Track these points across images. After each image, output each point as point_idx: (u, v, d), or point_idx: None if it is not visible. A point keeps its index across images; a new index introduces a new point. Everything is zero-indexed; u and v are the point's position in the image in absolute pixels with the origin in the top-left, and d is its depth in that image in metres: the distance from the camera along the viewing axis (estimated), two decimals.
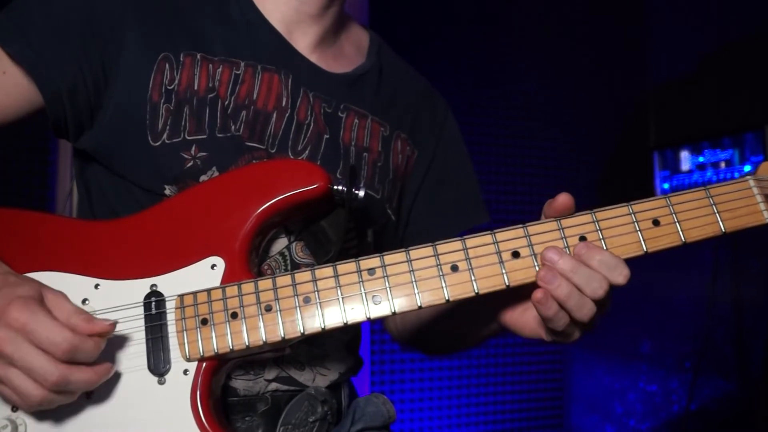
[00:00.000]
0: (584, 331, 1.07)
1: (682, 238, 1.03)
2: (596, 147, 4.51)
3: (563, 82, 4.43)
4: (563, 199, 1.04)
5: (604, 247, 1.02)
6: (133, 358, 1.06)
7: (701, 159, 3.97)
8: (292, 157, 1.26)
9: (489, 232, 1.05)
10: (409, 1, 4.04)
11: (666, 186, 4.19)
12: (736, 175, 3.73)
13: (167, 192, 1.19)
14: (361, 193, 1.16)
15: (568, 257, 1.00)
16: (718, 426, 3.76)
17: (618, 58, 4.54)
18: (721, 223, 1.03)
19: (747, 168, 3.69)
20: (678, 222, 1.03)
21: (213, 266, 1.10)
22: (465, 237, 1.05)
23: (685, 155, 4.09)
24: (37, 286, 1.00)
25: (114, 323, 1.00)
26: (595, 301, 1.00)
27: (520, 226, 1.04)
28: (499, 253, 1.03)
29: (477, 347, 1.42)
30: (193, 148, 1.19)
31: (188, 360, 1.05)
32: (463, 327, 1.34)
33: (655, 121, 4.41)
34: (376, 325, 3.51)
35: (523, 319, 1.13)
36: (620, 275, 0.99)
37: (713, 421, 3.77)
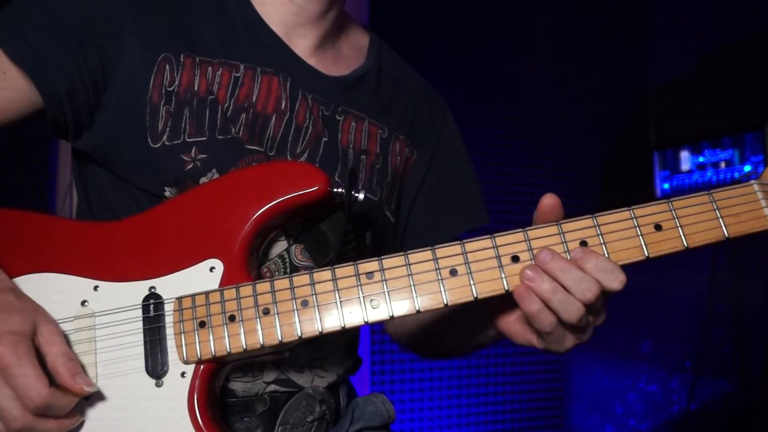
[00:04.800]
0: (577, 340, 1.05)
1: (685, 243, 1.01)
2: (596, 147, 4.52)
3: (563, 82, 4.43)
4: (548, 200, 1.03)
5: (605, 252, 1.01)
6: (130, 360, 1.06)
7: (701, 159, 3.97)
8: (290, 159, 1.26)
9: (489, 236, 1.03)
10: (409, 1, 4.04)
11: (666, 186, 4.19)
12: (736, 175, 3.74)
13: (167, 194, 1.19)
14: (361, 196, 1.15)
15: (560, 258, 0.99)
16: (718, 426, 3.76)
17: (618, 58, 4.54)
18: (724, 228, 1.01)
19: (747, 168, 3.69)
20: (680, 227, 1.01)
21: (212, 269, 1.09)
22: (464, 241, 1.04)
23: (685, 155, 4.09)
24: (33, 316, 1.00)
25: (93, 388, 1.00)
26: (586, 306, 0.98)
27: (520, 230, 1.03)
28: (498, 257, 1.02)
29: (475, 353, 1.40)
30: (193, 150, 1.19)
31: (186, 363, 1.05)
32: (460, 332, 1.33)
33: (655, 121, 4.41)
34: (377, 325, 3.50)
35: (517, 325, 1.11)
36: (615, 280, 0.97)
37: (713, 421, 3.77)
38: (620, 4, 4.55)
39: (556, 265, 0.98)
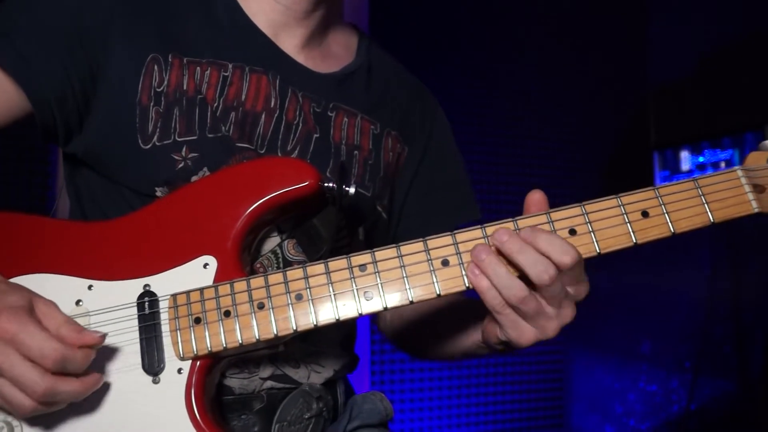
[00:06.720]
0: (537, 333, 1.03)
1: (671, 228, 1.03)
2: (596, 147, 4.51)
3: (563, 82, 4.43)
4: (536, 196, 1.06)
5: (594, 239, 1.03)
6: (127, 358, 1.07)
7: (701, 159, 3.97)
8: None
9: (479, 226, 1.05)
10: (409, 1, 4.05)
11: None
12: None
13: (158, 194, 1.19)
14: (352, 190, 1.16)
15: (516, 238, 0.99)
16: (718, 426, 3.75)
17: (618, 58, 4.53)
18: (709, 213, 1.03)
19: None
20: (667, 213, 1.03)
21: (205, 265, 1.10)
22: (455, 232, 1.05)
23: (685, 155, 4.09)
24: (27, 294, 1.00)
25: (104, 335, 1.00)
26: (541, 290, 0.98)
27: (510, 219, 1.05)
28: (489, 246, 1.02)
29: (463, 359, 1.39)
30: (184, 150, 1.19)
31: (182, 359, 1.06)
32: (446, 330, 1.32)
33: (655, 121, 4.41)
34: (377, 325, 3.50)
35: (488, 324, 1.10)
36: (566, 255, 0.97)
37: (713, 421, 3.76)
38: (620, 5, 4.55)
39: (514, 245, 0.99)
